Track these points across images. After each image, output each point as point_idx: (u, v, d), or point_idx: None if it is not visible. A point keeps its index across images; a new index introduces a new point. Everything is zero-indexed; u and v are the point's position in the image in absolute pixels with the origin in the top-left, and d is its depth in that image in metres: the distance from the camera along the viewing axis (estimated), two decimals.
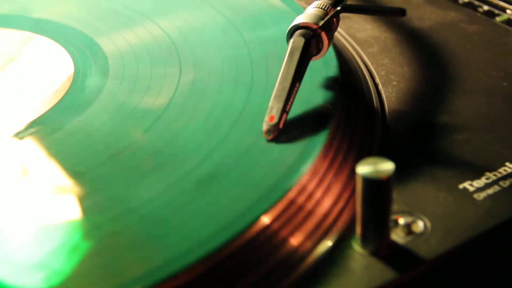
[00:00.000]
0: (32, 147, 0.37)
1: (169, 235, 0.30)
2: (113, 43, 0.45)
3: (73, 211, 0.32)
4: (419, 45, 0.47)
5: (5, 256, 0.30)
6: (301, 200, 0.33)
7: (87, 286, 0.29)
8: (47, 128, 0.38)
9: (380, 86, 0.42)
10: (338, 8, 0.39)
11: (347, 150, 0.35)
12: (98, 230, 0.31)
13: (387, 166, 0.28)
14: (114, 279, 0.29)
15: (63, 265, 0.29)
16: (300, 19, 0.38)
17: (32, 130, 0.38)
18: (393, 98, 0.41)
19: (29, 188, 0.34)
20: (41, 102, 0.40)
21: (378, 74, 0.44)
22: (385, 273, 0.30)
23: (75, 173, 0.34)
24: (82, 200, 0.33)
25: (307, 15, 0.39)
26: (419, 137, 0.38)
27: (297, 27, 0.38)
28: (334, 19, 0.39)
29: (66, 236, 0.31)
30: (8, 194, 0.34)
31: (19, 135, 0.38)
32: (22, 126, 0.38)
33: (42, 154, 0.36)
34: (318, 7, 0.39)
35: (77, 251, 0.30)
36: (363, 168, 0.28)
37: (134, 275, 0.28)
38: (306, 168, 0.33)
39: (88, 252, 0.30)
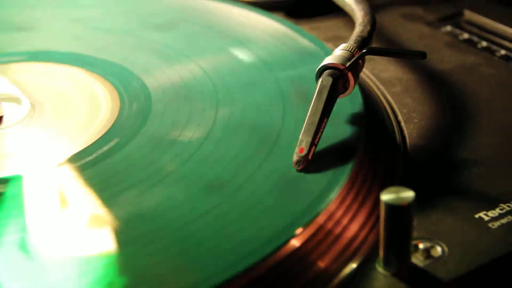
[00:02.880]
0: (72, 178, 0.42)
1: (202, 257, 0.35)
2: (156, 80, 0.51)
3: (110, 243, 0.37)
4: (439, 86, 0.53)
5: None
6: (329, 225, 0.37)
7: None
8: (89, 160, 0.43)
9: (403, 123, 0.47)
10: (364, 50, 0.44)
11: (372, 181, 0.41)
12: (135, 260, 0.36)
13: (408, 194, 0.33)
14: None
15: None
16: (329, 60, 0.44)
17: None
18: (415, 135, 0.46)
19: (66, 220, 0.39)
20: (85, 135, 0.46)
21: (400, 112, 0.49)
22: None
23: (112, 203, 0.39)
24: (119, 232, 0.37)
25: (335, 56, 0.44)
26: (438, 171, 0.43)
27: (325, 67, 0.43)
28: (360, 61, 0.44)
29: (102, 269, 0.35)
30: (46, 225, 0.39)
31: (59, 167, 0.43)
32: (63, 159, 0.43)
33: (81, 185, 0.41)
34: (345, 49, 0.44)
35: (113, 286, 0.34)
36: (387, 196, 0.33)
37: None
38: (333, 196, 0.38)
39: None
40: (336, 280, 0.36)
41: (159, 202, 0.39)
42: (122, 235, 0.37)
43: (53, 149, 0.45)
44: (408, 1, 0.67)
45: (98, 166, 0.43)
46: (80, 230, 0.39)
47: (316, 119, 0.42)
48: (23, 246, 0.38)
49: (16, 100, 0.50)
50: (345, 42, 0.46)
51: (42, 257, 0.37)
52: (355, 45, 0.46)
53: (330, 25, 0.63)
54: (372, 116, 0.48)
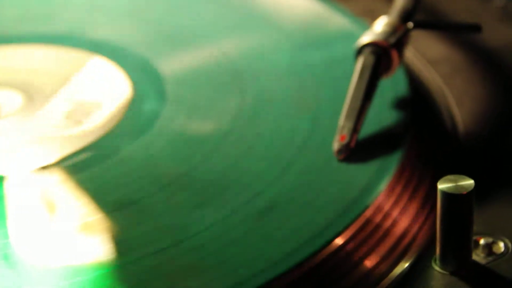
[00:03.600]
0: (64, 181, 0.43)
1: (235, 257, 0.36)
2: (171, 66, 0.52)
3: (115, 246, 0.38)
4: (493, 66, 0.55)
5: None
6: (377, 219, 0.38)
7: None
8: (99, 155, 0.44)
9: (454, 107, 0.49)
10: (410, 24, 0.44)
11: (422, 170, 0.42)
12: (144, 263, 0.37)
13: (468, 182, 0.34)
14: None
15: None
16: (369, 36, 0.45)
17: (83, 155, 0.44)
18: (468, 120, 0.48)
19: (55, 227, 0.40)
20: (95, 127, 0.46)
21: (451, 94, 0.51)
22: None
23: (124, 203, 0.40)
24: (129, 232, 0.38)
25: (376, 32, 0.45)
26: (495, 159, 0.44)
27: (366, 45, 0.44)
28: (404, 37, 0.45)
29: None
30: (32, 233, 0.39)
31: (67, 161, 0.44)
32: (72, 151, 0.44)
33: (74, 189, 0.42)
34: (387, 24, 0.45)
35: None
36: (444, 184, 0.34)
37: None
38: (382, 187, 0.39)
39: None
40: (386, 281, 0.37)
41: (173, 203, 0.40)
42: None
43: (46, 146, 0.46)
44: None
45: (95, 168, 0.44)
46: (70, 238, 0.39)
47: (358, 103, 0.42)
48: (5, 256, 0.39)
49: (13, 88, 0.52)
50: (385, 15, 0.48)
51: (26, 268, 0.38)
52: (398, 18, 0.46)
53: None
54: (419, 99, 0.50)
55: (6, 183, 0.44)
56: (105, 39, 0.57)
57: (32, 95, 0.52)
